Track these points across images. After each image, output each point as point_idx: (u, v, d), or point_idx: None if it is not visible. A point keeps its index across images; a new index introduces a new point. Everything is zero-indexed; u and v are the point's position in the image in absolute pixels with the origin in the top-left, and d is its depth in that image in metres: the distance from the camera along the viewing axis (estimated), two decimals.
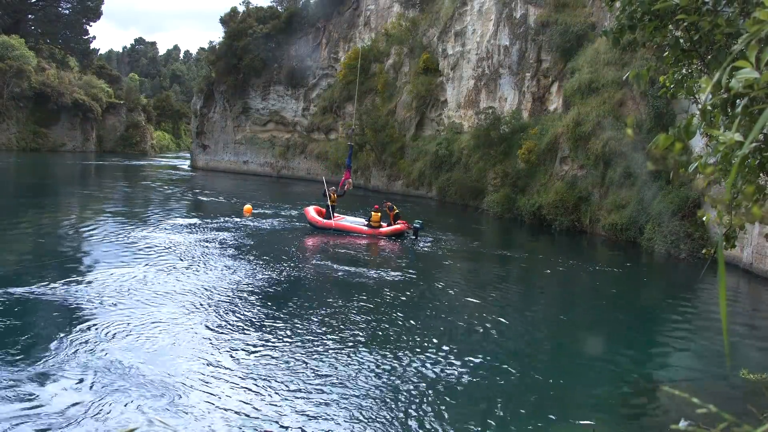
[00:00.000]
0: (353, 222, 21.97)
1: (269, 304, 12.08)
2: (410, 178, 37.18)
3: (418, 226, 20.42)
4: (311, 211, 21.93)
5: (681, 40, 3.72)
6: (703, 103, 2.65)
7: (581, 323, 12.99)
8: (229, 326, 10.38)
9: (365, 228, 21.01)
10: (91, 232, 19.15)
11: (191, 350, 9.15)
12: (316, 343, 9.76)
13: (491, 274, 17.31)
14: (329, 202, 21.89)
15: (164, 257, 15.62)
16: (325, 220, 21.50)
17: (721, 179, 2.81)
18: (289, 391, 7.85)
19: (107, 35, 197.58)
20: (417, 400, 7.79)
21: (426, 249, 19.45)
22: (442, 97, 37.57)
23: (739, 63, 1.69)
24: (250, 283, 13.40)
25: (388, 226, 20.97)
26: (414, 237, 20.40)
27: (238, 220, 23.16)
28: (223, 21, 50.58)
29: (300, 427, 6.95)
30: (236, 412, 7.22)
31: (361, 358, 9.13)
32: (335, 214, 22.13)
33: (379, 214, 21.08)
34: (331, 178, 43.22)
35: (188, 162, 59.62)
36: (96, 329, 9.72)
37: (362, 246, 19.50)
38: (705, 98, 2.60)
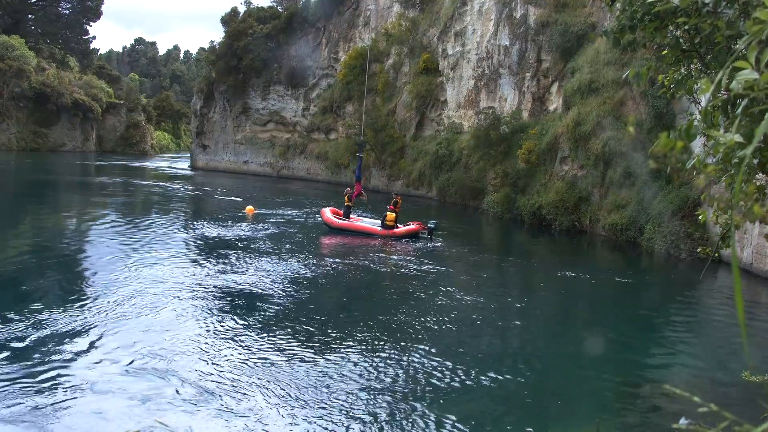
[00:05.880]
0: (369, 223, 22.05)
1: (274, 304, 12.08)
2: (410, 178, 37.20)
3: (432, 226, 20.58)
4: (327, 212, 22.13)
5: (681, 41, 3.73)
6: (704, 105, 2.66)
7: (581, 323, 13.00)
8: (233, 325, 10.38)
9: (380, 229, 21.09)
10: (93, 232, 19.16)
11: (193, 350, 9.15)
12: (315, 343, 9.77)
13: (491, 274, 17.32)
14: (346, 203, 22.14)
15: (167, 256, 15.62)
16: (340, 221, 21.69)
17: (720, 179, 2.82)
18: (289, 390, 7.85)
19: (111, 35, 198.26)
20: (418, 400, 7.80)
21: (428, 249, 19.46)
22: (442, 97, 37.57)
23: (738, 64, 1.69)
24: (254, 284, 13.39)
25: (403, 226, 21.05)
26: (429, 237, 20.53)
27: (242, 220, 23.17)
28: (224, 21, 50.58)
29: (300, 427, 6.96)
30: (238, 413, 7.23)
31: (361, 358, 9.14)
32: (351, 215, 22.41)
33: (394, 214, 21.12)
34: (330, 178, 43.54)
35: (188, 162, 59.62)
36: (97, 329, 9.72)
37: (374, 247, 19.47)
38: (706, 100, 2.61)
